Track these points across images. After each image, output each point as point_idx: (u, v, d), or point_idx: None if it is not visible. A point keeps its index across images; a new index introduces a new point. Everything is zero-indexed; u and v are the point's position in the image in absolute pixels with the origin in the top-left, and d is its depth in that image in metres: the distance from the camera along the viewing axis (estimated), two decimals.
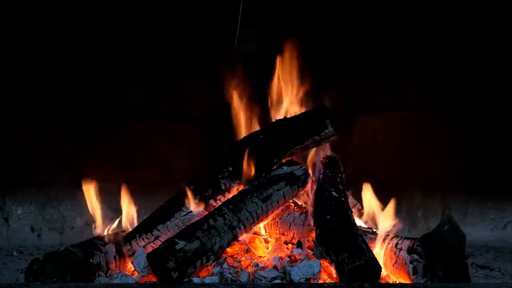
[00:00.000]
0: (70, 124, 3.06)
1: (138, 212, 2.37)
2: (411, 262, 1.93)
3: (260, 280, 1.91)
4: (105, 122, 3.08)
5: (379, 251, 2.09)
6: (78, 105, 3.06)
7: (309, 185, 2.33)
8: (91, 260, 2.00)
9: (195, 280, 1.89)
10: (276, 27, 2.90)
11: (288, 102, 2.50)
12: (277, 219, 2.33)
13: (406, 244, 2.01)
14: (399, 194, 2.38)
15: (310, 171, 2.36)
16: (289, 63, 2.52)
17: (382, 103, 3.15)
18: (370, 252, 1.89)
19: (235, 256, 2.13)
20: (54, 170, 3.07)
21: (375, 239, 2.15)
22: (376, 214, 2.28)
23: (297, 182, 2.26)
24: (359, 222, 2.35)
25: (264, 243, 2.26)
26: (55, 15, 2.97)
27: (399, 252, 2.02)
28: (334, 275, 1.94)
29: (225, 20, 2.73)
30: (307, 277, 1.89)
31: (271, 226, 2.35)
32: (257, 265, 2.06)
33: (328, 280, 1.96)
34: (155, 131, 3.09)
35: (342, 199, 2.25)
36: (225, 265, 2.00)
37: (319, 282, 1.90)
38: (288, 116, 2.42)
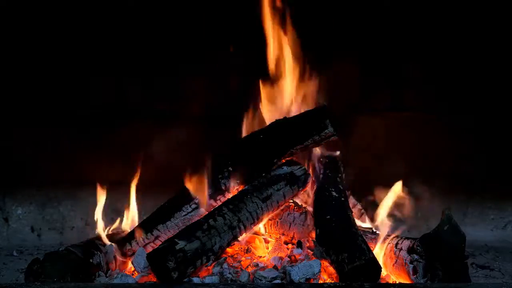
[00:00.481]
0: (70, 124, 3.06)
1: (138, 212, 2.37)
2: (411, 262, 1.93)
3: (260, 280, 1.91)
4: (105, 122, 3.08)
5: (379, 251, 2.10)
6: (78, 105, 3.06)
7: (309, 185, 2.33)
8: (91, 260, 2.01)
9: (195, 280, 1.89)
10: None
11: (288, 102, 2.50)
12: (277, 219, 2.33)
13: (406, 244, 2.01)
14: None
15: (310, 171, 2.36)
16: (288, 63, 2.52)
17: (382, 103, 3.15)
18: (370, 252, 1.89)
19: (235, 256, 2.13)
20: (54, 170, 3.06)
21: (375, 239, 2.16)
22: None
23: (297, 182, 2.26)
24: (359, 222, 2.35)
25: (264, 243, 2.26)
26: (55, 15, 2.97)
27: (399, 252, 2.02)
28: (334, 275, 1.94)
29: (225, 20, 2.73)
30: (307, 277, 1.89)
31: (271, 226, 2.35)
32: (257, 265, 2.06)
33: (328, 280, 1.96)
34: (155, 131, 3.09)
35: (342, 199, 2.25)
36: (225, 265, 2.00)
37: (319, 282, 1.90)
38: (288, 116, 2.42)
